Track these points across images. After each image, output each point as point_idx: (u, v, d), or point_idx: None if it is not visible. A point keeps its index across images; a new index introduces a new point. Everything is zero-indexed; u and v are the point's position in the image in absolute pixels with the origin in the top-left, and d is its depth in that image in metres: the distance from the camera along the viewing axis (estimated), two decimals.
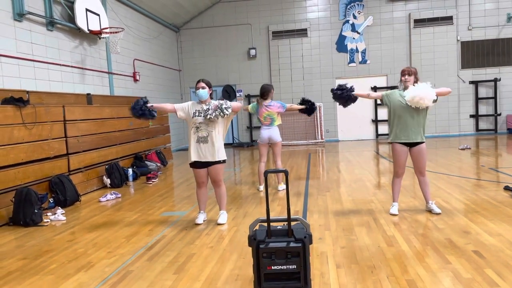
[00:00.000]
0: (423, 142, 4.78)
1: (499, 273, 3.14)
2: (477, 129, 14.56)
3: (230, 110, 4.60)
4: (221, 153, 4.79)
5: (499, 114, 14.33)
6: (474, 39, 14.18)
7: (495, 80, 14.12)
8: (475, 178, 6.86)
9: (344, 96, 5.01)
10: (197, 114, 4.75)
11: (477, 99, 14.38)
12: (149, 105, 4.68)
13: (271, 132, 6.54)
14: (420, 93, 4.53)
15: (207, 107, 4.61)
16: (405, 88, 4.79)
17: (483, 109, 14.49)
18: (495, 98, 14.21)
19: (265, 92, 6.51)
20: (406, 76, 4.74)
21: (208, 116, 4.57)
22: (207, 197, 5.19)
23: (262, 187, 6.80)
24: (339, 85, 5.10)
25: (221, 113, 4.57)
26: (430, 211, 4.90)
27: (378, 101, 12.85)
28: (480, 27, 14.10)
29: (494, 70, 14.22)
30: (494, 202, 5.21)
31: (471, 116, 14.55)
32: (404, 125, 4.73)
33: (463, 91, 14.42)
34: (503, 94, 14.27)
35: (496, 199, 5.35)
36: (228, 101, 4.67)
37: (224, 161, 4.86)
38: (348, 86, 5.09)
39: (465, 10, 14.14)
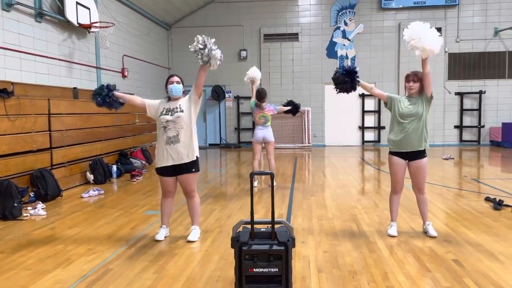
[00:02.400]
0: (424, 154, 4.25)
1: (477, 282, 3.18)
2: (461, 140, 14.78)
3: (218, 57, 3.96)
4: (194, 152, 4.22)
5: (483, 126, 14.58)
6: (462, 51, 14.41)
7: (480, 93, 14.36)
8: (457, 188, 6.96)
9: (348, 82, 4.39)
10: (164, 112, 4.20)
11: (462, 111, 14.61)
12: (115, 93, 4.25)
13: (265, 132, 7.04)
14: (420, 33, 4.00)
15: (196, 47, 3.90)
16: (409, 95, 4.29)
17: (468, 120, 14.72)
18: (479, 110, 14.45)
19: (263, 96, 6.99)
20: (411, 83, 4.20)
21: (203, 57, 3.90)
22: (172, 209, 4.62)
23: (256, 183, 7.40)
24: (347, 69, 4.45)
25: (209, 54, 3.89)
26: (425, 232, 4.38)
27: (370, 107, 12.61)
28: (468, 40, 14.34)
29: (479, 82, 14.46)
30: (475, 212, 5.28)
31: (456, 126, 14.77)
32: (403, 134, 4.20)
33: (449, 102, 14.63)
34: (487, 107, 14.52)
35: (477, 210, 5.43)
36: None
37: (197, 170, 4.31)
38: (357, 69, 4.43)
39: (453, 22, 14.36)
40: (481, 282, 3.18)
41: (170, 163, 4.20)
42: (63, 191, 6.67)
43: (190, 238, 4.31)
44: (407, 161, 4.30)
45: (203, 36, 3.92)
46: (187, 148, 4.19)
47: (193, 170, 4.27)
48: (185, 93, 4.38)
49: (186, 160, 4.19)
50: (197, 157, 4.29)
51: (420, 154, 4.25)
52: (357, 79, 4.46)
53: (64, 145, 7.21)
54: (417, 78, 4.20)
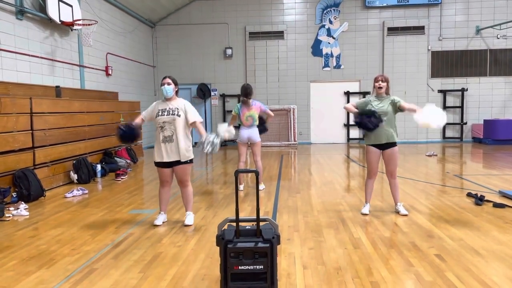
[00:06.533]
0: (395, 145, 4.98)
1: (459, 276, 3.25)
2: (444, 137, 15.02)
3: (220, 142, 4.67)
4: (188, 153, 4.68)
5: (465, 123, 14.83)
6: (444, 49, 14.63)
7: (462, 90, 14.60)
8: (440, 184, 7.07)
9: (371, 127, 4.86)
10: (160, 113, 4.63)
11: (445, 108, 14.82)
12: (132, 123, 4.75)
13: (250, 133, 6.63)
14: (432, 118, 4.76)
15: (201, 140, 4.57)
16: (378, 94, 4.99)
17: (450, 117, 14.94)
18: (461, 107, 14.70)
19: (249, 92, 6.59)
20: (380, 82, 4.93)
21: (205, 150, 4.52)
22: (169, 197, 5.06)
23: (242, 187, 6.92)
24: (371, 118, 4.82)
25: (214, 146, 4.55)
26: (397, 212, 5.11)
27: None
28: (450, 38, 14.56)
29: (461, 80, 14.71)
30: (457, 208, 5.38)
31: None
32: (378, 129, 4.87)
33: (432, 100, 14.82)
34: (469, 104, 14.77)
35: (459, 205, 5.53)
36: (217, 135, 4.68)
37: (191, 161, 4.76)
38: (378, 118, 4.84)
39: (436, 21, 14.57)
40: (462, 276, 3.25)
41: (165, 160, 4.64)
42: (46, 191, 6.58)
43: (186, 222, 4.79)
44: (381, 150, 5.02)
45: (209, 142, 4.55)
46: (182, 147, 4.61)
47: (188, 161, 4.70)
48: (177, 92, 4.77)
49: (178, 159, 4.63)
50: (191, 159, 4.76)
51: (393, 144, 4.98)
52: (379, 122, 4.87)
53: (47, 144, 7.10)
54: (384, 79, 4.95)
